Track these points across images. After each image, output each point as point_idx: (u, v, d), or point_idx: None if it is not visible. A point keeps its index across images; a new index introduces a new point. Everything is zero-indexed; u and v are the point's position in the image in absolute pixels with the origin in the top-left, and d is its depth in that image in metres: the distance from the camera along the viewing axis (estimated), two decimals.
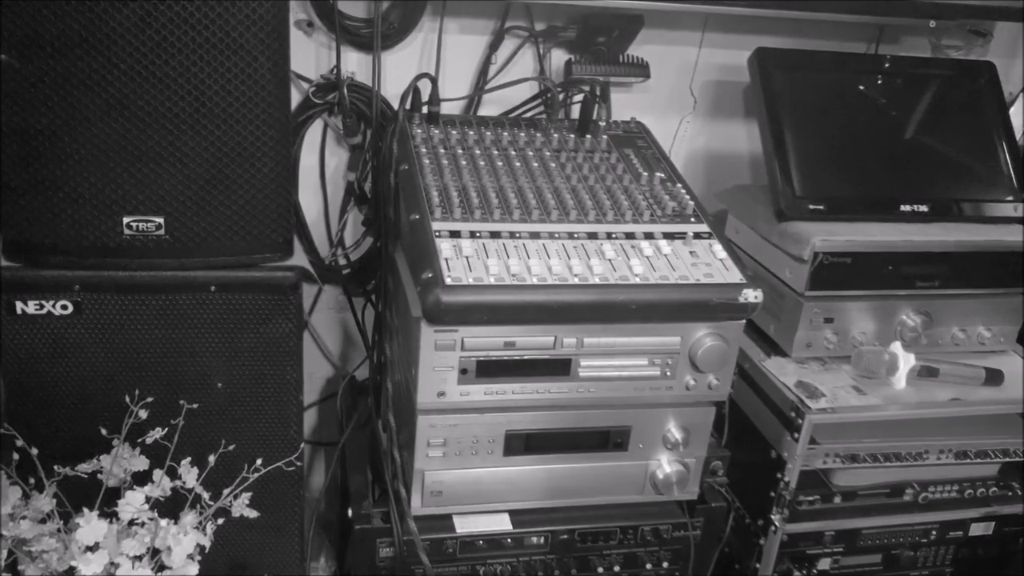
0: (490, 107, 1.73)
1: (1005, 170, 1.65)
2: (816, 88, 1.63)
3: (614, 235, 1.30)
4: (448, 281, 1.16)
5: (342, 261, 1.78)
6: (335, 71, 1.60)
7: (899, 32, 1.84)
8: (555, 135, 1.54)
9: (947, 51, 1.82)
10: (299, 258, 1.71)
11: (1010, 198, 1.63)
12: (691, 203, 1.40)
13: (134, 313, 1.26)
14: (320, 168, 1.72)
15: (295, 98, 1.58)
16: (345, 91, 1.60)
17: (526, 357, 1.25)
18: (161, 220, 1.23)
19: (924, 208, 1.58)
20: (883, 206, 1.56)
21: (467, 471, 1.33)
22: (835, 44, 1.81)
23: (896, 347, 1.52)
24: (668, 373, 1.30)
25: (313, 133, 1.69)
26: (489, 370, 1.25)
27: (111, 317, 1.26)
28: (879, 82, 1.67)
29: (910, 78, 1.69)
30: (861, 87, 1.67)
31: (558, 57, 1.72)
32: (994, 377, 1.54)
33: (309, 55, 1.61)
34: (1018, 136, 1.84)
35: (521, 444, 1.32)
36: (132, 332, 1.27)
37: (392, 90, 1.64)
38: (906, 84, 1.68)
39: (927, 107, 1.68)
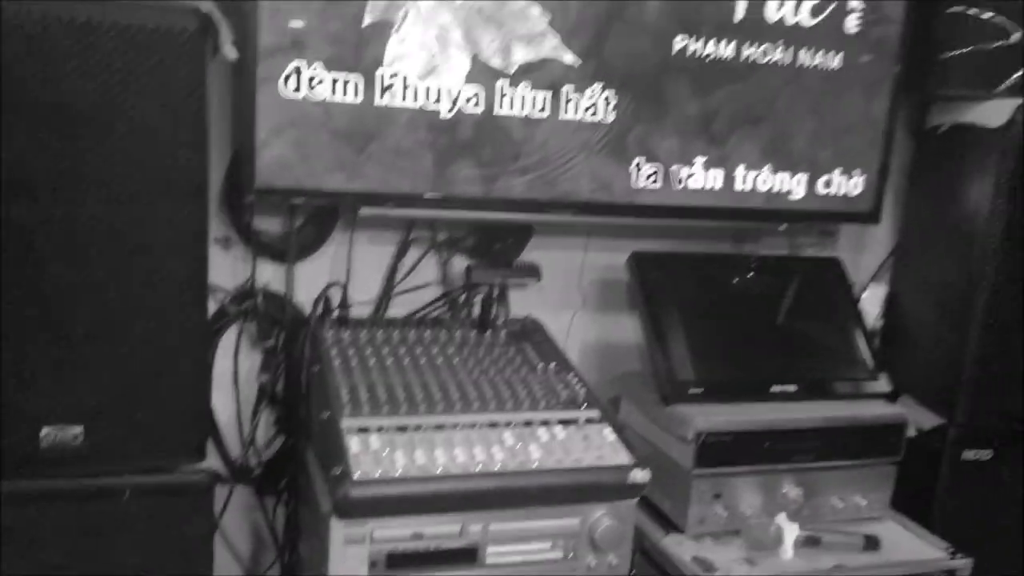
0: (398, 309, 1.86)
1: (860, 352, 1.85)
2: (689, 285, 1.82)
3: (513, 423, 1.41)
4: (357, 476, 1.23)
5: (254, 461, 1.82)
6: (250, 282, 1.72)
7: (760, 234, 2.08)
8: (458, 333, 1.67)
9: (801, 248, 2.07)
10: (212, 460, 1.74)
11: (867, 377, 1.82)
12: (582, 391, 1.53)
13: (50, 520, 1.28)
14: (233, 371, 1.80)
15: (212, 307, 1.68)
16: (260, 299, 1.71)
17: (433, 548, 1.31)
18: (80, 429, 1.28)
19: (793, 388, 1.75)
20: (756, 388, 1.72)
21: None
22: (705, 245, 2.04)
23: (781, 519, 1.63)
24: (571, 555, 1.38)
25: (228, 338, 1.78)
26: (399, 562, 1.30)
27: (28, 526, 1.27)
28: (747, 277, 1.88)
29: (773, 273, 1.91)
30: (734, 281, 1.87)
31: (460, 262, 1.89)
32: (872, 543, 1.65)
33: (226, 268, 1.73)
34: (871, 321, 2.08)
35: None
36: (48, 539, 1.28)
37: (305, 296, 1.76)
38: (770, 278, 1.90)
39: (789, 298, 1.89)
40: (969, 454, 1.87)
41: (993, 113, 1.78)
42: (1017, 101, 1.74)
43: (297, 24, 1.49)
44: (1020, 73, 1.75)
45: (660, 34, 1.71)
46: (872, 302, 2.10)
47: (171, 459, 1.34)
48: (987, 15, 1.75)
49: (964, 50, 1.78)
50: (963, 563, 1.67)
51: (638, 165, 1.77)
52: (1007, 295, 1.82)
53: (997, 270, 1.80)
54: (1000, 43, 1.74)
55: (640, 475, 1.35)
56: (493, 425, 1.40)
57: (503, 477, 1.30)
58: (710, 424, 1.61)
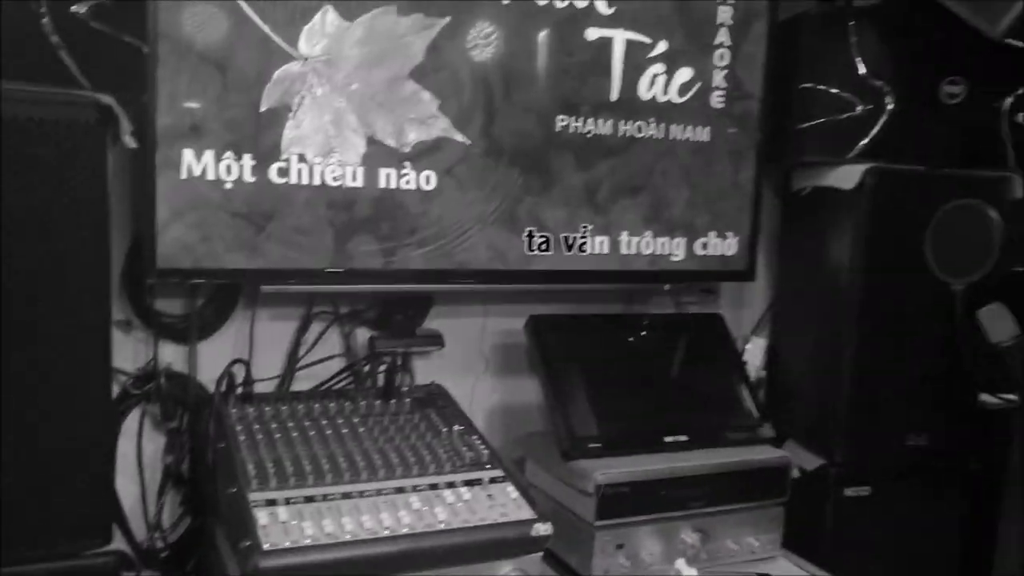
0: (303, 383, 1.90)
1: (745, 401, 1.98)
2: (584, 344, 1.93)
3: (419, 487, 1.46)
4: (266, 547, 1.26)
5: (160, 544, 1.80)
6: (152, 363, 1.73)
7: (647, 294, 2.21)
8: (363, 402, 1.72)
9: (686, 306, 2.21)
10: (118, 543, 1.72)
11: (753, 424, 1.94)
12: (486, 452, 1.59)
13: None
14: (137, 454, 1.79)
15: (114, 390, 1.68)
16: (163, 380, 1.73)
17: None
18: None
19: (684, 438, 1.85)
20: (650, 439, 1.82)
21: None
22: (597, 307, 2.15)
23: (680, 564, 1.72)
24: None
25: (131, 420, 1.78)
26: None
27: None
28: (639, 335, 2.00)
29: (661, 331, 2.03)
30: (627, 339, 1.98)
31: (363, 333, 1.94)
32: None
33: (128, 350, 1.74)
34: (755, 372, 2.23)
35: None
36: None
37: (209, 375, 1.78)
38: (659, 336, 2.02)
39: (678, 354, 2.01)
40: (849, 491, 2.00)
41: (846, 177, 1.97)
42: (866, 166, 1.94)
43: (194, 106, 1.55)
44: (866, 141, 1.95)
45: (544, 114, 1.84)
46: (755, 354, 2.25)
47: (76, 543, 1.33)
48: (834, 90, 1.95)
49: (817, 121, 1.98)
50: None
51: (530, 234, 1.87)
52: (872, 344, 1.98)
53: (860, 321, 1.97)
54: (847, 115, 1.94)
55: (543, 528, 1.42)
56: (400, 490, 1.45)
57: (410, 539, 1.34)
58: (609, 477, 1.69)
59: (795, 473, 1.91)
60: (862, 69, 1.93)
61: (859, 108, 1.93)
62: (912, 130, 1.94)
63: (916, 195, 1.95)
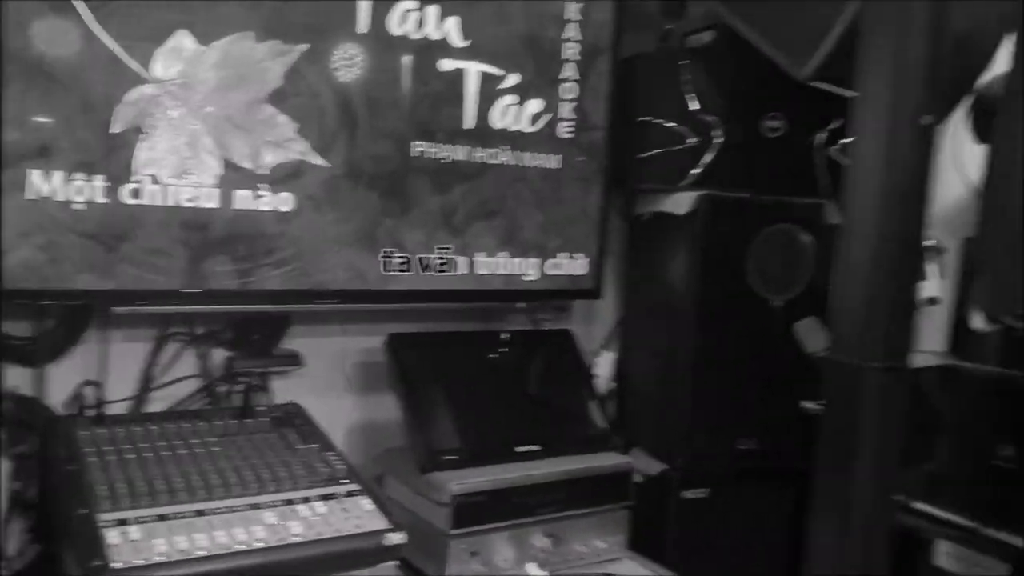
0: (160, 403, 1.89)
1: (593, 411, 2.10)
2: (442, 361, 2.00)
3: (275, 503, 1.49)
4: (116, 565, 1.27)
5: (5, 574, 1.75)
6: None
7: (503, 311, 2.31)
8: (219, 423, 1.73)
9: (541, 323, 2.33)
10: None
11: (600, 433, 2.07)
12: (342, 467, 1.64)
13: None
14: None
15: None
16: (9, 405, 1.68)
17: None
18: None
19: (536, 447, 1.95)
20: (502, 450, 1.91)
21: None
22: (455, 324, 2.23)
23: (531, 567, 1.81)
24: None
25: None
26: None
27: None
28: (495, 351, 2.09)
29: (516, 346, 2.12)
30: (483, 355, 2.07)
31: (220, 353, 1.95)
32: None
33: None
34: (605, 384, 2.36)
35: None
36: None
37: (60, 398, 1.75)
38: (513, 351, 2.11)
39: (531, 368, 2.11)
40: (688, 494, 2.15)
41: (680, 203, 2.14)
42: (698, 193, 2.11)
43: (43, 124, 1.54)
44: (697, 170, 2.12)
45: (401, 139, 1.92)
46: (604, 367, 2.38)
47: None
48: (669, 124, 2.11)
49: (655, 151, 2.14)
50: None
51: (388, 255, 1.94)
52: (706, 356, 2.15)
53: (695, 335, 2.13)
54: (680, 146, 2.11)
55: (396, 537, 1.48)
56: (254, 507, 1.48)
57: (264, 553, 1.38)
58: (463, 487, 1.77)
59: (639, 478, 2.04)
60: (693, 104, 2.10)
61: (690, 140, 2.10)
62: (739, 161, 2.13)
63: (742, 220, 2.13)
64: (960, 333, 2.03)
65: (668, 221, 2.19)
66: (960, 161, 2.10)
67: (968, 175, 2.08)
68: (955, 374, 1.95)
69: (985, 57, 1.83)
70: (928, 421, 1.96)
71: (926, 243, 2.00)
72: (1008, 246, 1.47)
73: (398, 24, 1.87)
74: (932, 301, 1.96)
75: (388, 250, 1.94)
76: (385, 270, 1.94)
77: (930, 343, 2.11)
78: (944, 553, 1.92)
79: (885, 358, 1.50)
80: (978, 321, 1.92)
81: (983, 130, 2.04)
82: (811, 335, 1.80)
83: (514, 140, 2.06)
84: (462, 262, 2.04)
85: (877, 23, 1.51)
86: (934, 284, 1.97)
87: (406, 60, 1.90)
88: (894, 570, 1.86)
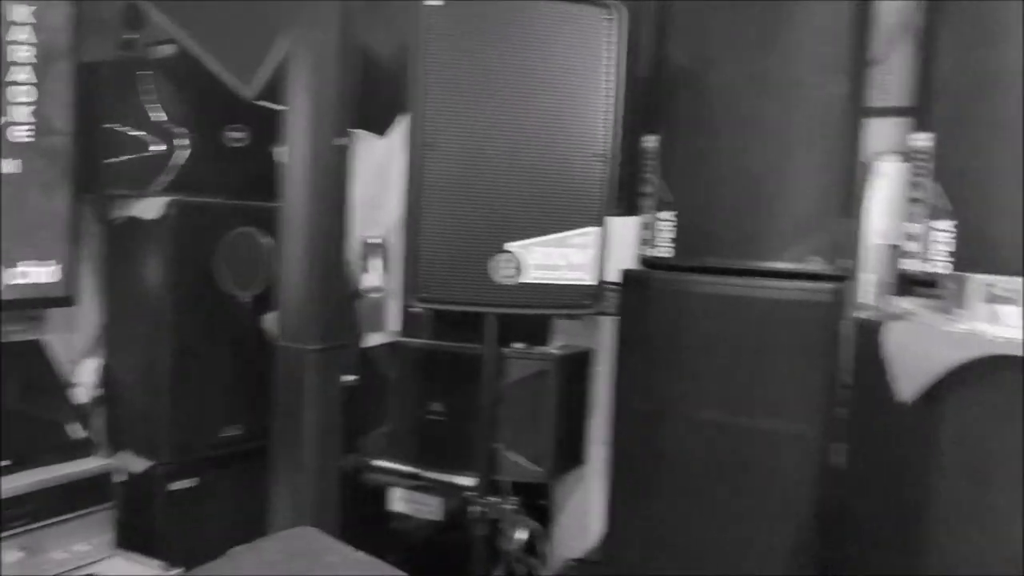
0: None
1: (71, 419, 2.09)
2: None
3: None
4: None
5: None
6: None
7: None
8: None
9: (10, 336, 2.23)
10: None
11: (78, 439, 2.07)
12: None
13: None
14: None
15: None
16: None
17: None
18: None
19: (6, 462, 1.90)
20: None
21: None
22: None
23: None
24: None
25: None
26: None
27: None
28: None
29: None
30: None
31: None
32: None
33: None
34: (91, 390, 2.35)
35: None
36: None
37: None
38: None
39: None
40: (175, 485, 2.25)
41: (150, 208, 2.22)
42: (168, 198, 2.21)
43: None
44: (164, 176, 2.21)
45: None
46: (88, 374, 2.36)
47: None
48: (132, 131, 2.18)
49: (122, 158, 2.19)
50: (176, 571, 2.04)
51: None
52: (187, 352, 2.26)
53: (173, 333, 2.24)
54: (145, 154, 2.18)
55: None
56: None
57: None
58: None
59: (123, 477, 2.09)
60: (157, 114, 2.19)
61: (153, 148, 2.19)
62: (206, 168, 2.27)
63: (209, 223, 2.28)
64: (407, 315, 2.41)
65: (140, 226, 2.25)
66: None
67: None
68: (400, 348, 2.32)
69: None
70: (381, 391, 2.32)
71: (371, 240, 2.38)
72: (412, 245, 1.81)
73: None
74: (375, 290, 2.34)
75: None
76: None
77: (391, 325, 2.47)
78: (398, 499, 2.30)
79: (322, 340, 1.77)
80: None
81: None
82: (276, 325, 2.03)
83: None
84: None
85: (298, 54, 1.77)
86: (376, 275, 2.35)
87: None
88: (360, 520, 2.19)
